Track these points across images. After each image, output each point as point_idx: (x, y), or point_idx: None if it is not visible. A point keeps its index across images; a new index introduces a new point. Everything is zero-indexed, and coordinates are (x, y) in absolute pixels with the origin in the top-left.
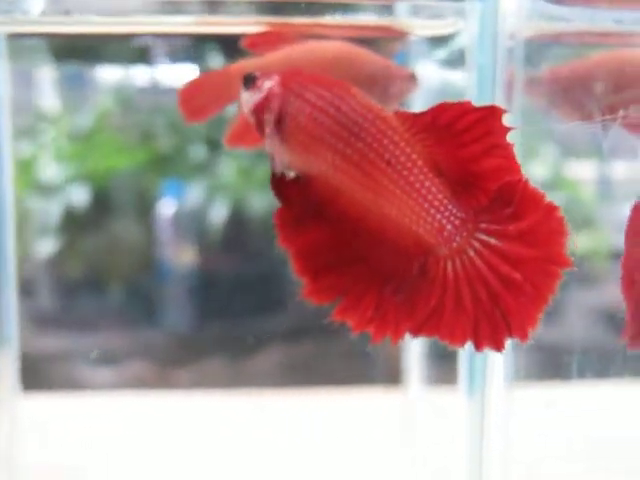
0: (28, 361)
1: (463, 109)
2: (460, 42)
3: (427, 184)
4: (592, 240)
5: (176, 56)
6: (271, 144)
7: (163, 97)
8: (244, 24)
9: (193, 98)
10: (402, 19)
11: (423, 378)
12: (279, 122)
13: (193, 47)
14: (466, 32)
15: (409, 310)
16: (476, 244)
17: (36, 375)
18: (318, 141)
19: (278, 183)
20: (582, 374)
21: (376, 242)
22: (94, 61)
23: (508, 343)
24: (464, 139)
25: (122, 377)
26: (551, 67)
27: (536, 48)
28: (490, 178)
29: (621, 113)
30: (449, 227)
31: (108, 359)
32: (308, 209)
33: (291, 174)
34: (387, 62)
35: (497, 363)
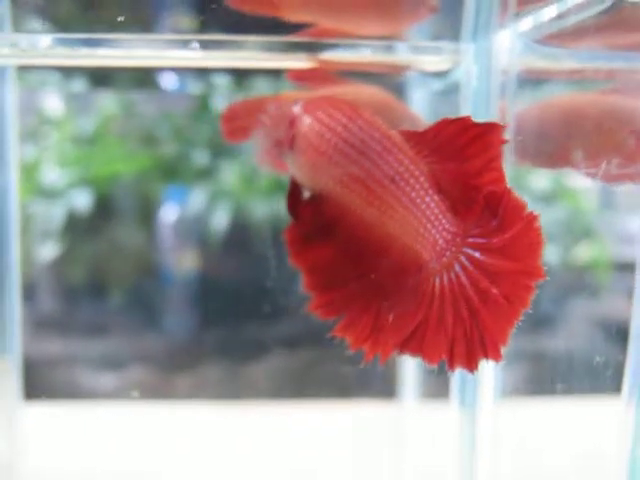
0: (29, 367)
1: (464, 125)
2: (456, 76)
3: (427, 199)
4: (593, 250)
5: (183, 81)
6: (288, 163)
7: (167, 103)
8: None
9: (236, 118)
10: (404, 56)
11: (417, 391)
12: (293, 140)
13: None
14: (462, 68)
15: (398, 327)
16: (462, 259)
17: (37, 381)
18: (326, 158)
19: (293, 202)
20: (580, 387)
21: (379, 260)
22: (101, 84)
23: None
24: (465, 155)
25: (123, 383)
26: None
27: (527, 83)
28: (489, 190)
29: (603, 167)
30: (441, 241)
31: (109, 365)
32: (318, 227)
33: (306, 194)
34: (414, 114)
35: (489, 376)
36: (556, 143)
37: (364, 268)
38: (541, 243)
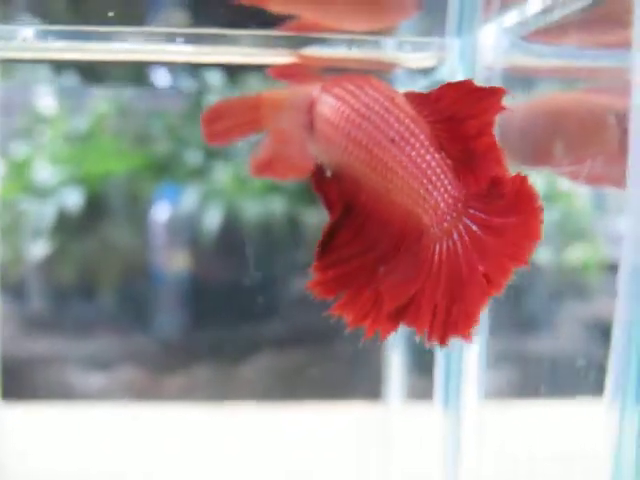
0: (19, 366)
1: (466, 87)
2: (441, 74)
3: (428, 158)
4: (586, 252)
5: (174, 78)
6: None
7: (160, 102)
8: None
9: (217, 120)
10: (390, 53)
11: (402, 392)
12: (312, 122)
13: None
14: (447, 65)
15: (395, 296)
16: (460, 228)
17: (26, 382)
18: (335, 129)
19: (319, 182)
20: (570, 389)
21: (384, 231)
22: (92, 80)
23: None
24: (464, 115)
25: (113, 384)
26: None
27: (512, 80)
28: (485, 157)
29: (588, 165)
30: (442, 205)
31: (99, 365)
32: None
33: (328, 174)
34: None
35: (472, 377)
36: (539, 142)
37: (368, 242)
38: (538, 237)
